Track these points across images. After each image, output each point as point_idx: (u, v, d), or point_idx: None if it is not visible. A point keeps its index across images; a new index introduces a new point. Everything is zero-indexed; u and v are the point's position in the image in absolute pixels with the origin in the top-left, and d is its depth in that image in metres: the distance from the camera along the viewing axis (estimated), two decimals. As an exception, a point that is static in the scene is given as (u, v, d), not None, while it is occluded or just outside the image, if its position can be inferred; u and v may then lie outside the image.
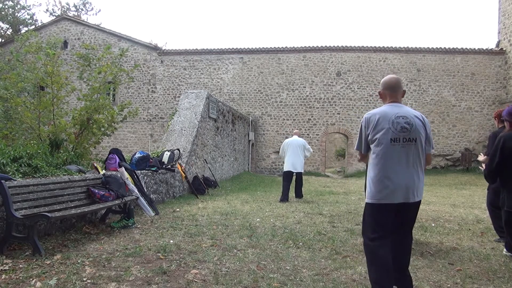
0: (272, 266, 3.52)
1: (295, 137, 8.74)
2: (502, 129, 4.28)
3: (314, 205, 7.57)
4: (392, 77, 2.95)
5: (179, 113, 10.64)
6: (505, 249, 4.10)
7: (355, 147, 3.02)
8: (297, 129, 9.79)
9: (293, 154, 8.50)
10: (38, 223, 3.77)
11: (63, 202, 4.33)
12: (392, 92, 2.89)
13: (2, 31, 25.88)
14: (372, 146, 2.78)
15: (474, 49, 18.59)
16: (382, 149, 2.69)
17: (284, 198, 8.16)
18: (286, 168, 8.50)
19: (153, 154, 8.45)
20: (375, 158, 2.73)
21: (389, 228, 2.75)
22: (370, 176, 2.77)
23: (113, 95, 18.76)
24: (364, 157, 2.99)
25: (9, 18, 25.29)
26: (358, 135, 2.92)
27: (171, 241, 4.28)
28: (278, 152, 18.76)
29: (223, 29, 68.84)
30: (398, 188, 2.65)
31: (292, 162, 8.47)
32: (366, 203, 2.81)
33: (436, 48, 18.73)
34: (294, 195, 8.55)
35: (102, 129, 7.73)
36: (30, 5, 45.44)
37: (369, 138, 2.79)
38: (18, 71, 8.22)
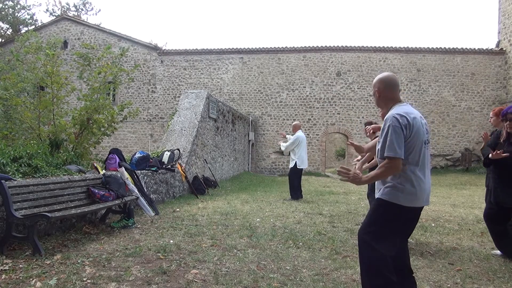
0: (272, 266, 3.52)
1: (301, 132, 8.64)
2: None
3: (314, 205, 7.56)
4: (392, 74, 2.76)
5: (179, 113, 10.64)
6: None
7: (393, 154, 2.38)
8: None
9: (305, 150, 8.54)
10: (38, 223, 3.77)
11: (63, 202, 4.33)
12: (397, 91, 2.71)
13: (2, 31, 25.88)
14: (408, 147, 2.48)
15: (474, 49, 18.59)
16: (420, 151, 2.50)
17: (300, 195, 8.33)
18: (303, 165, 8.43)
19: (153, 154, 8.45)
20: (410, 163, 2.47)
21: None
22: (401, 180, 2.47)
23: (113, 95, 18.74)
24: (402, 164, 2.45)
25: (9, 18, 25.29)
26: (392, 138, 2.41)
27: (171, 241, 4.28)
28: (279, 152, 18.83)
29: (223, 29, 68.87)
30: (427, 190, 2.54)
31: (306, 159, 8.56)
32: (393, 204, 2.47)
33: (436, 48, 18.73)
34: (290, 195, 8.47)
35: (102, 129, 7.72)
36: (30, 5, 45.54)
37: (408, 140, 2.47)
38: (18, 71, 8.21)
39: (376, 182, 2.68)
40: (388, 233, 2.52)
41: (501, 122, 3.96)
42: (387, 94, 2.69)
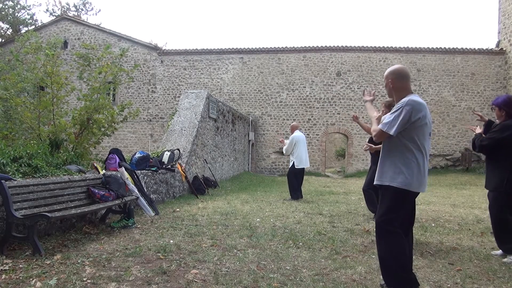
0: (272, 266, 3.52)
1: (299, 132, 8.70)
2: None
3: (314, 205, 7.56)
4: (403, 66, 2.99)
5: (179, 113, 10.64)
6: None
7: (387, 129, 2.74)
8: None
9: (304, 149, 8.53)
10: (38, 223, 3.77)
11: (63, 202, 4.33)
12: (409, 81, 2.93)
13: (2, 31, 25.87)
14: (415, 135, 2.73)
15: (474, 49, 18.59)
16: (424, 141, 2.77)
17: (300, 195, 8.34)
18: (301, 165, 8.41)
19: (153, 154, 8.45)
20: (419, 150, 2.75)
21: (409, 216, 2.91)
22: (410, 164, 2.73)
23: (113, 95, 18.75)
24: (385, 138, 2.82)
25: (9, 18, 25.28)
26: (397, 117, 2.71)
27: (171, 241, 4.28)
28: (279, 152, 18.84)
29: (223, 29, 68.87)
30: (426, 178, 2.81)
31: (306, 158, 8.53)
32: (398, 189, 2.74)
33: (436, 48, 18.73)
34: (290, 195, 8.49)
35: (102, 129, 7.72)
36: (30, 5, 45.49)
37: (413, 125, 2.71)
38: (18, 71, 8.22)
39: (381, 168, 2.88)
40: (401, 218, 2.79)
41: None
42: (399, 84, 2.89)
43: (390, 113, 2.83)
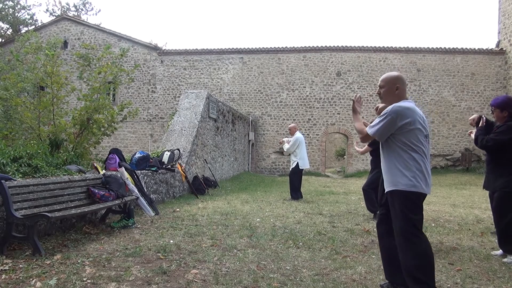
0: (272, 266, 3.52)
1: (300, 133, 8.74)
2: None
3: (314, 205, 7.56)
4: (400, 74, 3.02)
5: (179, 113, 10.64)
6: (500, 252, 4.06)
7: (374, 133, 2.82)
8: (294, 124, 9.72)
9: (305, 150, 8.60)
10: (38, 223, 3.77)
11: (63, 202, 4.33)
12: (405, 89, 2.97)
13: (2, 31, 25.88)
14: (406, 139, 2.73)
15: (474, 49, 18.58)
16: (421, 143, 2.76)
17: (300, 195, 8.40)
18: (305, 165, 8.49)
19: (153, 154, 8.45)
20: (416, 152, 2.73)
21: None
22: (410, 167, 2.71)
23: (113, 95, 18.74)
24: (369, 141, 3.01)
25: (9, 18, 25.30)
26: (380, 122, 2.77)
27: (171, 241, 4.28)
28: (279, 152, 18.84)
29: (223, 29, 68.85)
30: (430, 179, 2.81)
31: (307, 159, 8.60)
32: (405, 191, 2.69)
33: (436, 48, 18.73)
34: (291, 195, 8.50)
35: (102, 129, 7.72)
36: (30, 5, 45.52)
37: (402, 130, 2.72)
38: (18, 71, 8.22)
39: (385, 176, 2.89)
40: (420, 221, 2.77)
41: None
42: (396, 91, 2.91)
43: (378, 117, 2.85)
